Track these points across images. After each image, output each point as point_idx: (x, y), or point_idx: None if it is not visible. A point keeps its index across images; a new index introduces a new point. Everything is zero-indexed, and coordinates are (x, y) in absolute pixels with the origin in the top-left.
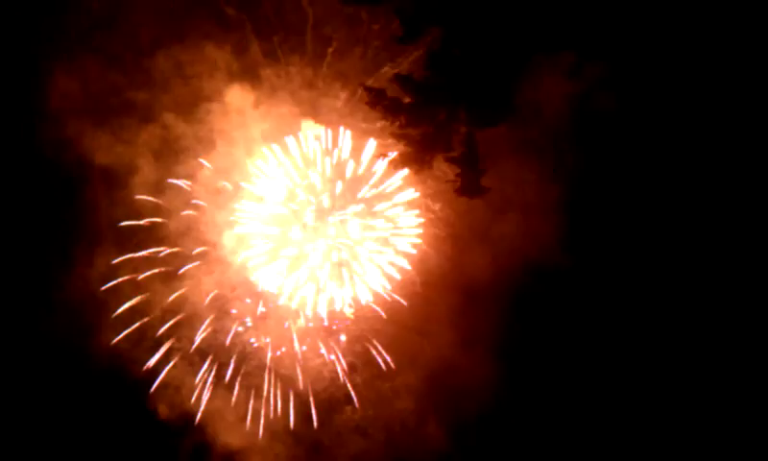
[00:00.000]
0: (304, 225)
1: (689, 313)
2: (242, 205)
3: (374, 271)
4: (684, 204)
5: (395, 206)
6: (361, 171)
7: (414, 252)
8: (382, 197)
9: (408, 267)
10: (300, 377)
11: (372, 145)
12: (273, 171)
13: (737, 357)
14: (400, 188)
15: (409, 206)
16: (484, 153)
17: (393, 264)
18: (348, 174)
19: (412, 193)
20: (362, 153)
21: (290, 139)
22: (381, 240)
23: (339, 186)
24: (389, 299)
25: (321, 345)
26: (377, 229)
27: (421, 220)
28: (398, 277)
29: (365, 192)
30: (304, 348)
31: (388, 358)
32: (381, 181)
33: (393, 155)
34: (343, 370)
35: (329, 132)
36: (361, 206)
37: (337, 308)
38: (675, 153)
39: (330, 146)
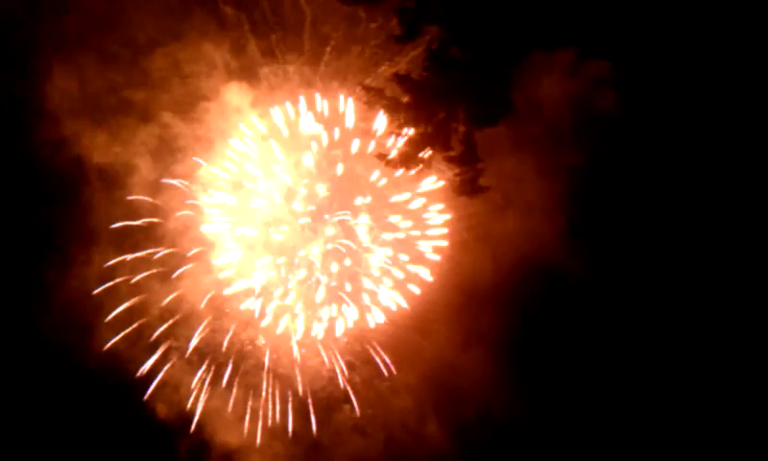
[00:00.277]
0: (303, 227)
1: (690, 310)
2: (212, 197)
3: (388, 287)
4: (684, 201)
5: (416, 196)
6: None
7: (438, 258)
8: (398, 184)
9: (430, 279)
10: (299, 377)
11: (383, 119)
12: (252, 151)
13: (731, 351)
14: (423, 173)
15: (432, 198)
16: (483, 151)
17: (414, 276)
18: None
19: (434, 182)
20: (372, 124)
21: (276, 111)
22: (398, 243)
23: (340, 170)
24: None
25: (319, 346)
26: (398, 228)
27: (448, 216)
28: (418, 291)
29: (376, 178)
30: (303, 350)
31: (387, 359)
32: (397, 163)
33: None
34: (341, 369)
35: (325, 102)
36: (369, 199)
37: (337, 335)
38: (676, 150)
39: (326, 113)
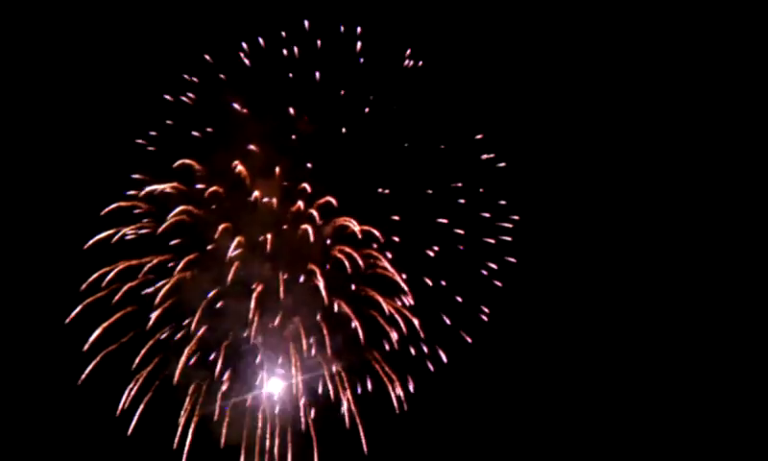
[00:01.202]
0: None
1: (691, 311)
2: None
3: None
4: (684, 202)
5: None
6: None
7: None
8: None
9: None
10: (299, 378)
11: None
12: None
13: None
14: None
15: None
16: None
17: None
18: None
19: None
20: None
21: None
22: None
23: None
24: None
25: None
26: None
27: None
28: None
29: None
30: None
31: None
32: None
33: None
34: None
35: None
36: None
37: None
38: (676, 151)
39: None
